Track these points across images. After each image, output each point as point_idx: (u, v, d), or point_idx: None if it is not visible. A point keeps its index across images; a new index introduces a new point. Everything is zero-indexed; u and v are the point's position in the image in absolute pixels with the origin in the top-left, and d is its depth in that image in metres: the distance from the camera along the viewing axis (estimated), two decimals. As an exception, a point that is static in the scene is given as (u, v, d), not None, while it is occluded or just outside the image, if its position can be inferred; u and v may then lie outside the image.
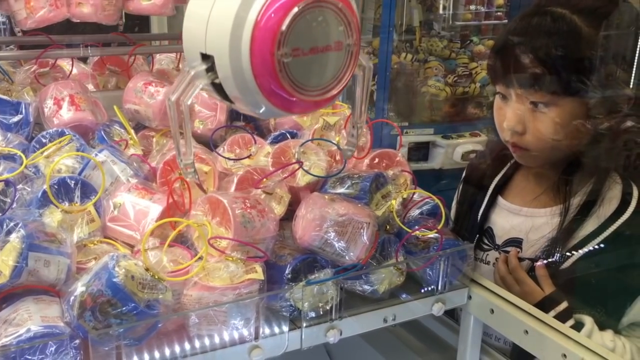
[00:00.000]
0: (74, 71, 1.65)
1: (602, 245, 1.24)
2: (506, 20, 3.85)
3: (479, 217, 1.44)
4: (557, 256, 1.27)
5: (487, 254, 1.41)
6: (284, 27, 0.77)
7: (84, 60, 1.74)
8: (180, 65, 1.71)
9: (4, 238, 0.89)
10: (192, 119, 1.40)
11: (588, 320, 1.16)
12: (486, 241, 1.42)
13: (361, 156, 1.30)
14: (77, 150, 1.21)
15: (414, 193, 1.27)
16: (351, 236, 1.07)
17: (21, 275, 0.88)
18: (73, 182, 1.07)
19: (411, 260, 1.17)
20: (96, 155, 1.17)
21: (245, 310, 0.97)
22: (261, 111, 0.84)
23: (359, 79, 0.93)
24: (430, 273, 1.16)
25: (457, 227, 1.49)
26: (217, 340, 0.97)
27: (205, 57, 0.81)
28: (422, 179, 1.32)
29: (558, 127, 1.24)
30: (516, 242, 1.37)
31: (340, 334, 1.07)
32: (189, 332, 0.96)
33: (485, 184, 1.47)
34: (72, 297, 0.86)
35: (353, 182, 1.18)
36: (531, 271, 1.29)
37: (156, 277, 0.92)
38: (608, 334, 1.17)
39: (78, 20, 1.44)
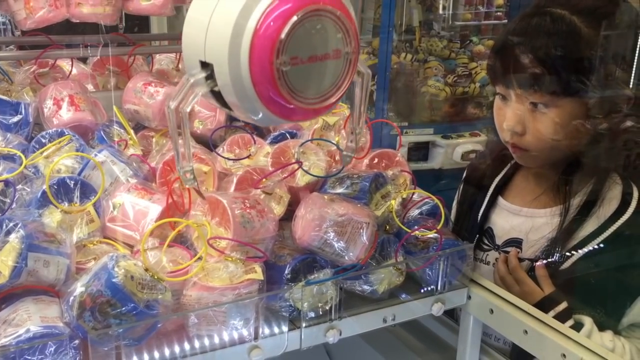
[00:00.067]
0: (74, 71, 1.65)
1: (602, 246, 1.24)
2: (506, 20, 3.85)
3: (479, 217, 1.44)
4: (556, 256, 1.27)
5: (487, 254, 1.41)
6: (283, 36, 0.77)
7: (83, 60, 1.74)
8: (180, 66, 1.71)
9: (4, 238, 0.89)
10: (192, 119, 1.40)
11: (587, 321, 1.16)
12: (486, 241, 1.42)
13: (361, 156, 1.30)
14: (77, 150, 1.21)
15: (413, 193, 1.27)
16: (350, 236, 1.07)
17: (20, 275, 0.88)
18: (72, 182, 1.06)
19: (411, 260, 1.17)
20: (96, 155, 1.17)
21: (244, 310, 0.97)
22: (260, 119, 0.84)
23: (358, 85, 0.93)
24: (430, 273, 1.16)
25: (458, 228, 1.49)
26: (216, 340, 0.97)
27: (205, 65, 0.82)
28: (422, 179, 1.32)
29: (558, 128, 1.24)
30: (516, 243, 1.37)
31: (340, 334, 1.07)
32: (189, 333, 0.96)
33: (486, 184, 1.47)
34: (72, 298, 0.86)
35: (352, 182, 1.18)
36: (531, 271, 1.29)
37: (155, 277, 0.92)
38: (607, 335, 1.17)
39: (77, 21, 1.44)
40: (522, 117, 1.27)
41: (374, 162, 1.33)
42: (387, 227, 1.20)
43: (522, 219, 1.38)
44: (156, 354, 0.94)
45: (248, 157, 1.28)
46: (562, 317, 1.15)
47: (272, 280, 1.04)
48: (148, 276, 0.91)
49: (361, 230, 1.08)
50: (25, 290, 0.91)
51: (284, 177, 1.18)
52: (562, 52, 1.21)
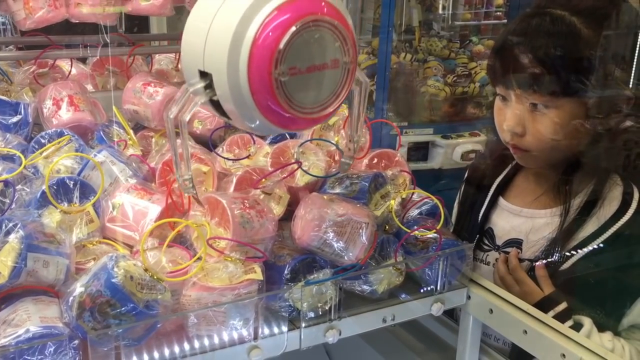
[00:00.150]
0: (73, 71, 1.65)
1: (602, 247, 1.24)
2: (505, 20, 3.85)
3: (479, 217, 1.44)
4: (556, 257, 1.27)
5: (487, 255, 1.41)
6: (281, 46, 0.78)
7: (83, 60, 1.74)
8: (180, 66, 1.71)
9: (3, 239, 0.89)
10: (191, 120, 1.40)
11: (587, 322, 1.16)
12: (486, 242, 1.42)
13: (360, 156, 1.30)
14: (76, 150, 1.21)
15: (413, 193, 1.27)
16: (350, 236, 1.07)
17: (20, 275, 0.88)
18: (72, 182, 1.06)
19: (410, 260, 1.17)
20: (95, 155, 1.17)
21: (244, 310, 0.97)
22: (258, 128, 0.85)
23: (356, 94, 0.94)
24: (429, 273, 1.16)
25: (458, 228, 1.49)
26: (216, 340, 0.97)
27: (204, 75, 0.83)
28: (422, 179, 1.32)
29: (558, 128, 1.24)
30: (516, 243, 1.37)
31: (340, 334, 1.07)
32: (188, 333, 0.96)
33: (487, 184, 1.47)
34: (71, 298, 0.86)
35: (352, 182, 1.18)
36: (531, 271, 1.29)
37: (155, 277, 0.92)
38: (607, 336, 1.17)
39: (77, 21, 1.44)
40: (522, 118, 1.27)
41: (374, 162, 1.33)
42: (387, 227, 1.20)
43: (522, 220, 1.38)
44: (156, 354, 0.94)
45: (247, 157, 1.28)
46: (561, 318, 1.15)
47: (272, 280, 1.04)
48: (147, 276, 0.91)
49: (360, 231, 1.08)
50: (25, 290, 0.90)
51: (284, 177, 1.18)
52: (562, 53, 1.21)
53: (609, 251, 1.24)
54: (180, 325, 0.97)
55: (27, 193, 1.06)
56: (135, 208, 1.07)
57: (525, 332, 1.11)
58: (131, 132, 1.35)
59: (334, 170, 1.24)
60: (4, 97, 1.33)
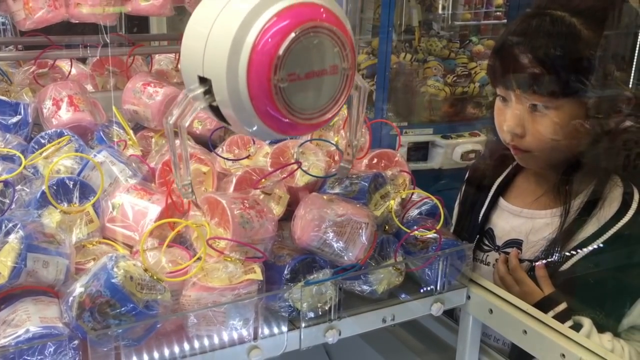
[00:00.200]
0: (73, 72, 1.65)
1: (602, 247, 1.24)
2: (505, 20, 3.85)
3: (479, 218, 1.44)
4: (556, 257, 1.27)
5: (487, 255, 1.41)
6: (280, 52, 0.78)
7: (82, 60, 1.74)
8: (179, 66, 1.71)
9: (3, 239, 0.89)
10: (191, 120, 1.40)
11: (587, 322, 1.16)
12: (487, 242, 1.42)
13: (360, 156, 1.30)
14: (76, 150, 1.21)
15: (412, 193, 1.27)
16: (350, 236, 1.07)
17: (20, 276, 0.88)
18: (72, 182, 1.06)
19: (410, 260, 1.17)
20: (95, 155, 1.17)
21: (244, 310, 0.97)
22: (257, 133, 0.86)
23: (354, 99, 0.94)
24: (429, 273, 1.16)
25: (459, 228, 1.49)
26: (216, 340, 0.97)
27: (203, 80, 0.83)
28: (422, 179, 1.32)
29: (558, 128, 1.24)
30: (516, 244, 1.37)
31: (339, 334, 1.07)
32: (188, 333, 0.96)
33: (487, 185, 1.48)
34: (71, 298, 0.86)
35: (352, 182, 1.18)
36: (531, 272, 1.29)
37: (155, 277, 0.92)
38: (606, 337, 1.17)
39: (77, 21, 1.44)
40: (522, 119, 1.27)
41: (373, 162, 1.33)
42: (387, 227, 1.20)
43: (523, 220, 1.38)
44: (155, 355, 0.94)
45: (247, 157, 1.28)
46: (561, 318, 1.15)
47: (272, 280, 1.04)
48: (147, 276, 0.91)
49: (360, 231, 1.08)
50: (25, 290, 0.90)
51: (283, 177, 1.18)
52: (562, 54, 1.21)
53: (609, 252, 1.24)
54: (180, 325, 0.97)
55: (26, 193, 1.06)
56: (135, 208, 1.08)
57: (525, 332, 1.11)
58: (131, 132, 1.35)
59: (333, 170, 1.24)
60: (3, 98, 1.33)
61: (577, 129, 1.25)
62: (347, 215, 1.07)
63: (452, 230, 1.41)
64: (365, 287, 1.11)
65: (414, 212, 1.26)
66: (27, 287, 0.90)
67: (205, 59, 0.81)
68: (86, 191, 1.08)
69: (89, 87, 1.66)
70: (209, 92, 0.83)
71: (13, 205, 1.03)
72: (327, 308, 1.06)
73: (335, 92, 0.86)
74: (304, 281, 1.04)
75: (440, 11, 3.74)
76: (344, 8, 3.04)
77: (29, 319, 0.85)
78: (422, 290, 1.18)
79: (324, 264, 1.08)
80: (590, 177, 1.30)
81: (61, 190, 1.05)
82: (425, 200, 1.26)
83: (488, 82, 2.97)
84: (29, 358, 0.82)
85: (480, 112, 3.36)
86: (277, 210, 1.14)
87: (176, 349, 0.95)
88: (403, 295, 1.16)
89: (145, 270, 0.91)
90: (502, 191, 1.45)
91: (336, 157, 1.29)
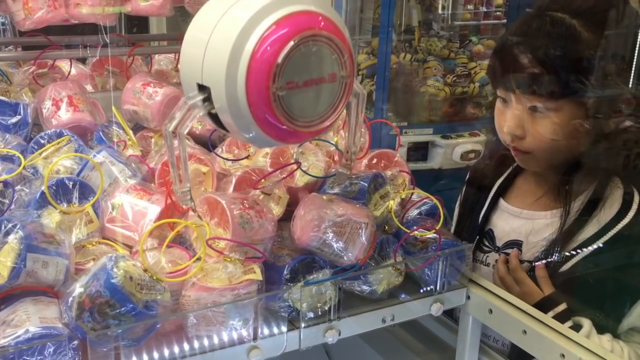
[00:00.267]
0: (73, 72, 1.65)
1: (602, 248, 1.24)
2: (505, 20, 3.85)
3: (480, 219, 1.44)
4: (556, 258, 1.27)
5: (487, 256, 1.41)
6: (279, 60, 0.78)
7: (82, 61, 1.74)
8: (179, 66, 1.71)
9: (2, 239, 0.89)
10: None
11: (586, 323, 1.16)
12: (487, 243, 1.42)
13: (360, 156, 1.30)
14: (76, 151, 1.21)
15: (412, 193, 1.27)
16: (349, 236, 1.07)
17: (19, 276, 0.88)
18: (71, 183, 1.06)
19: (410, 260, 1.17)
20: (94, 156, 1.17)
21: (243, 310, 0.97)
22: (256, 141, 0.86)
23: (353, 106, 0.94)
24: (429, 273, 1.16)
25: (459, 229, 1.49)
26: (215, 340, 0.97)
27: (202, 88, 0.83)
28: (422, 179, 1.32)
29: (558, 129, 1.24)
30: (516, 245, 1.37)
31: (339, 335, 1.07)
32: (188, 333, 0.96)
33: (488, 186, 1.48)
34: (71, 298, 0.86)
35: (351, 182, 1.18)
36: (531, 272, 1.29)
37: (154, 277, 0.92)
38: (606, 338, 1.17)
39: (76, 21, 1.44)
40: (522, 120, 1.27)
41: (373, 162, 1.33)
42: (386, 228, 1.20)
43: (523, 221, 1.38)
44: (155, 355, 0.94)
45: (247, 157, 1.28)
46: (561, 318, 1.15)
47: (271, 280, 1.04)
48: (147, 277, 0.91)
49: (360, 231, 1.08)
50: (24, 291, 0.90)
51: (283, 177, 1.18)
52: (562, 55, 1.21)
53: (609, 253, 1.24)
54: (180, 325, 0.97)
55: (26, 193, 1.06)
56: (135, 208, 1.08)
57: (525, 332, 1.11)
58: (130, 132, 1.35)
59: (333, 170, 1.24)
60: (3, 98, 1.33)
61: (577, 130, 1.25)
62: (347, 216, 1.07)
63: (452, 231, 1.41)
64: (365, 287, 1.11)
65: (413, 212, 1.26)
66: (27, 287, 0.90)
67: (204, 67, 0.82)
68: (86, 191, 1.08)
69: (89, 88, 1.66)
70: (208, 99, 0.84)
71: (12, 206, 1.03)
72: (326, 308, 1.06)
73: (333, 100, 0.87)
74: (304, 281, 1.04)
75: (440, 11, 3.74)
76: (344, 8, 3.04)
77: (29, 319, 0.85)
78: (421, 291, 1.17)
79: (324, 264, 1.08)
80: (590, 178, 1.30)
81: (61, 191, 1.05)
82: (425, 200, 1.26)
83: (488, 82, 2.97)
84: (28, 358, 0.82)
85: (480, 112, 3.36)
86: (277, 210, 1.14)
87: (176, 349, 0.95)
88: (403, 296, 1.16)
89: (145, 270, 0.91)
90: (502, 192, 1.45)
91: (336, 157, 1.29)
